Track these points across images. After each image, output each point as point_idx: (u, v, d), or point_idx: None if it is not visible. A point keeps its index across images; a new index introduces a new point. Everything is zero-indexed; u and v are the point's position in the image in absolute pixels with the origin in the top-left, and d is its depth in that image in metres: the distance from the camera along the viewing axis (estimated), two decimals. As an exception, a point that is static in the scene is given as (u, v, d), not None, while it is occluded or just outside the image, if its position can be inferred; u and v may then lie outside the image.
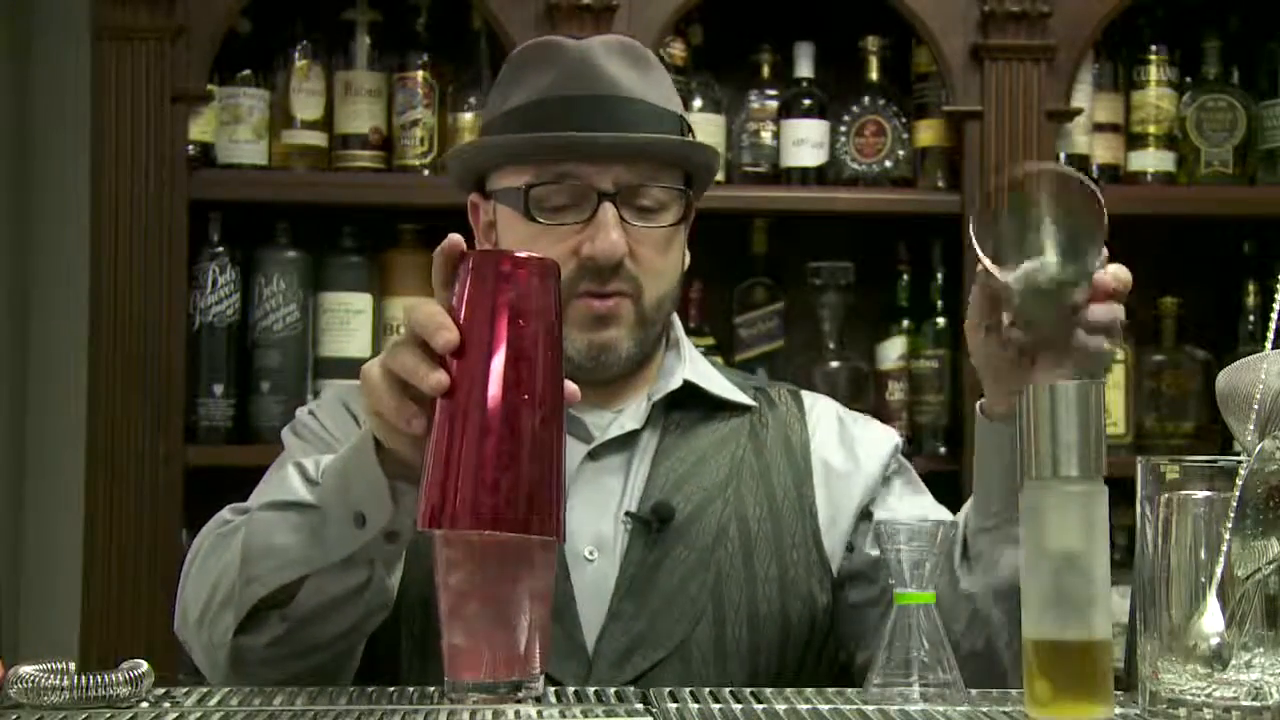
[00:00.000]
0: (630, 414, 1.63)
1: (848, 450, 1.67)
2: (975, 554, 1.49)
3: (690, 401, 1.65)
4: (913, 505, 1.64)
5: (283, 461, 1.60)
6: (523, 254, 1.22)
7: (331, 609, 1.39)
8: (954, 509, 2.31)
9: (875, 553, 1.59)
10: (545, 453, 1.18)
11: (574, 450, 1.59)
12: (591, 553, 1.56)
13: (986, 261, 1.31)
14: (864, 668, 1.55)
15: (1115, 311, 1.38)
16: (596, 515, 1.57)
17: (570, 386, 1.24)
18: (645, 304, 1.59)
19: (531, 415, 1.18)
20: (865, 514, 1.64)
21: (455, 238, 1.25)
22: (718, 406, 1.66)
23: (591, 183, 1.55)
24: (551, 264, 1.22)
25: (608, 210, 1.54)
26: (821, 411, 1.71)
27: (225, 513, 1.53)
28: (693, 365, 1.67)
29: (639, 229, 1.56)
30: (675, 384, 1.64)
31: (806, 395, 1.74)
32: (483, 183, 1.63)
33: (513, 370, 1.18)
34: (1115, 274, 1.38)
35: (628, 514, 1.56)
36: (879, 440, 1.70)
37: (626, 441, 1.62)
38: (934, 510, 1.65)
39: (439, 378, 1.19)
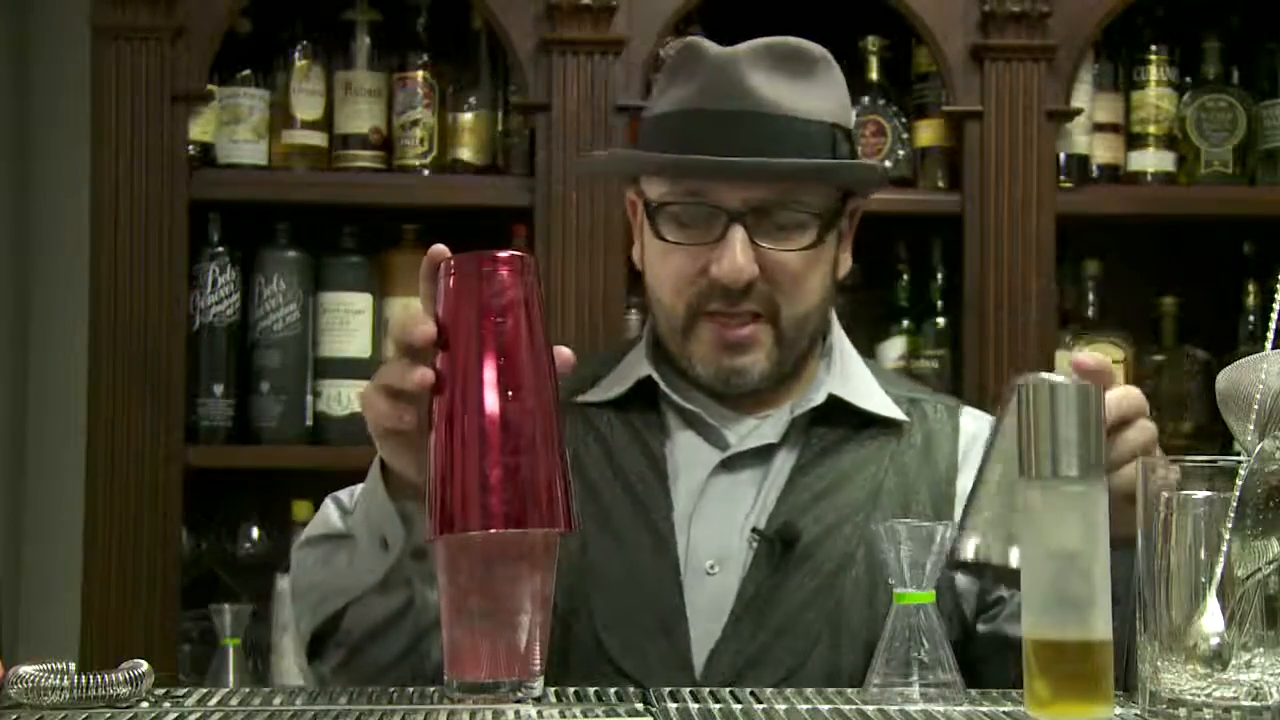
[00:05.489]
0: (770, 426, 1.58)
1: None
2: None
3: (836, 416, 1.59)
4: None
5: None
6: (503, 253, 1.22)
7: (381, 632, 1.41)
8: (954, 509, 2.27)
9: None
10: (537, 445, 1.19)
11: (708, 458, 1.57)
12: (713, 567, 1.51)
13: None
14: None
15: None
16: (723, 529, 1.53)
17: (563, 353, 1.25)
18: (784, 325, 1.55)
19: (527, 413, 1.19)
20: None
21: (438, 248, 1.25)
22: (865, 422, 1.60)
23: (720, 202, 1.51)
24: (529, 259, 1.23)
25: (736, 232, 1.50)
26: (977, 432, 1.62)
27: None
28: (842, 377, 1.61)
29: (770, 252, 1.52)
30: (819, 399, 1.59)
31: (966, 413, 1.66)
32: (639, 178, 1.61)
33: (503, 371, 1.19)
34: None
35: (754, 531, 1.52)
36: None
37: (763, 455, 1.57)
38: None
39: (421, 373, 1.20)
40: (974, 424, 1.64)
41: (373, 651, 1.42)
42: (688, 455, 1.58)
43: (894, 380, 1.70)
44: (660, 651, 1.48)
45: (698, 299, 1.54)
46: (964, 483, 1.57)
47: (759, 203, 1.51)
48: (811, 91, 1.55)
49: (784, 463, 1.57)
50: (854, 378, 1.63)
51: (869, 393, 1.62)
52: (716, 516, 1.54)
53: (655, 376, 1.60)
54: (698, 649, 1.49)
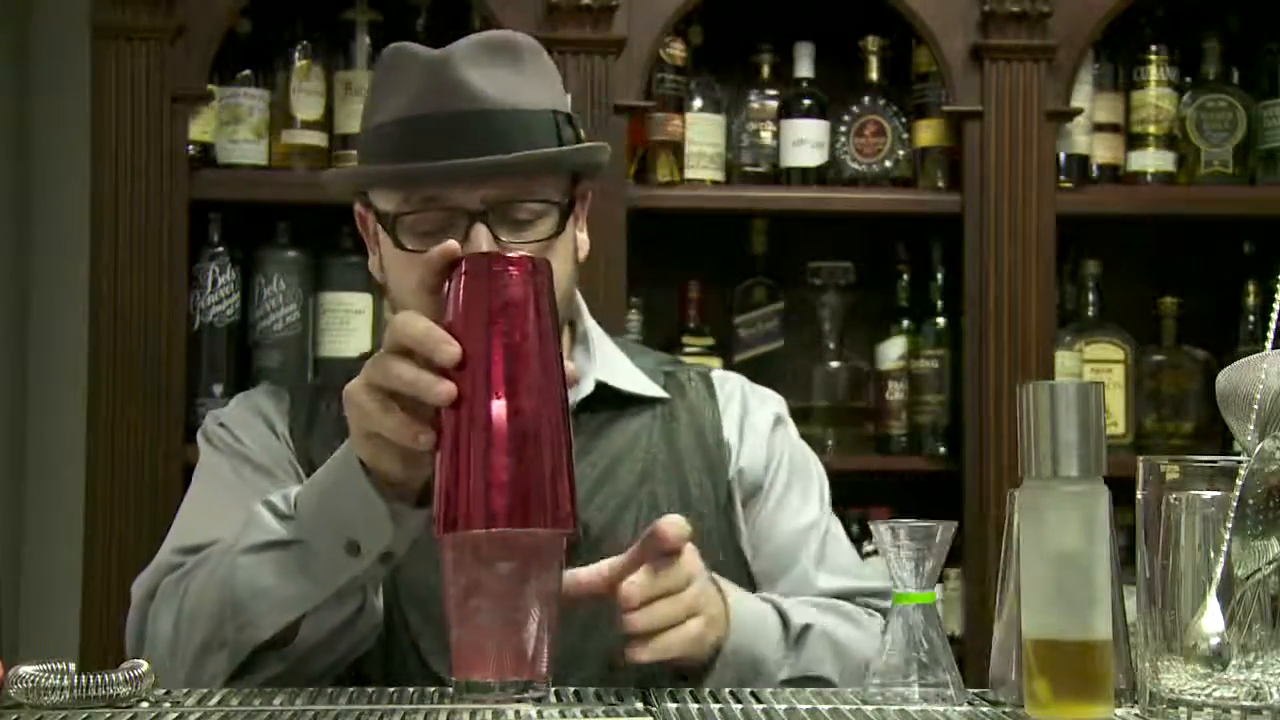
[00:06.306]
0: None
1: (742, 430, 1.65)
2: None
3: (600, 400, 1.61)
4: (780, 522, 1.62)
5: (203, 473, 1.58)
6: (513, 254, 1.23)
7: (329, 641, 1.37)
8: (953, 512, 2.31)
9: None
10: (543, 446, 1.19)
11: None
12: None
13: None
14: None
15: None
16: None
17: (569, 367, 1.25)
18: None
19: (533, 412, 1.19)
20: (741, 500, 1.62)
21: (451, 244, 1.24)
22: (627, 400, 1.62)
23: (458, 204, 1.49)
24: (542, 261, 1.24)
25: (479, 231, 1.48)
26: (730, 391, 1.69)
27: (168, 556, 1.49)
28: (603, 362, 1.63)
29: (515, 245, 1.50)
30: (588, 389, 1.60)
31: (716, 375, 1.71)
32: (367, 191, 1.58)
33: (511, 371, 1.19)
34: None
35: None
36: (763, 420, 1.67)
37: None
38: (798, 518, 1.63)
39: (446, 387, 1.18)
40: (727, 382, 1.70)
41: (314, 661, 1.38)
42: None
43: (643, 353, 1.73)
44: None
45: None
46: (729, 435, 1.64)
47: (496, 199, 1.50)
48: (527, 82, 1.54)
49: None
50: (612, 361, 1.65)
51: (629, 374, 1.64)
52: None
53: None
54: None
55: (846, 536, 1.70)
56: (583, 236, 1.63)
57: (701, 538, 1.54)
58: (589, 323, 1.68)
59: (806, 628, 1.44)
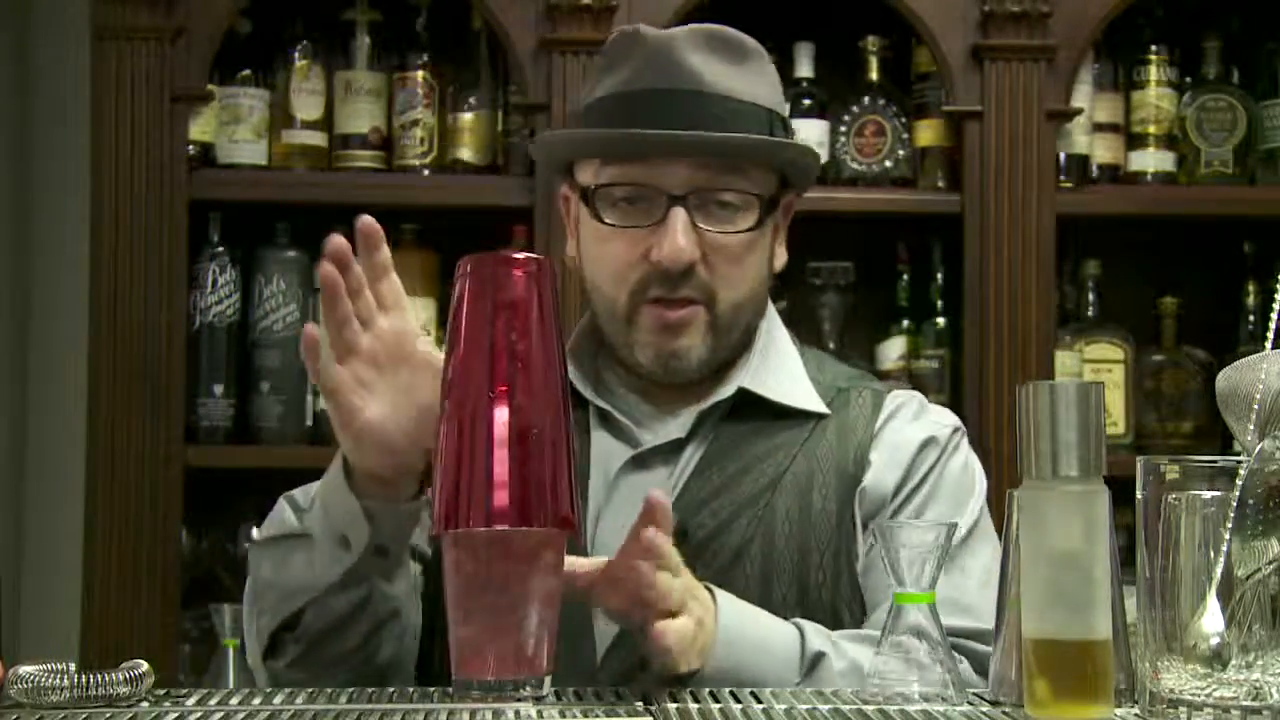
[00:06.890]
0: (680, 421, 1.56)
1: (886, 448, 1.56)
2: None
3: (750, 409, 1.56)
4: None
5: None
6: (518, 254, 1.24)
7: (340, 626, 1.40)
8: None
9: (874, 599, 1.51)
10: (544, 445, 1.20)
11: (619, 455, 1.55)
12: None
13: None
14: None
15: None
16: (628, 527, 1.46)
17: None
18: (719, 311, 1.52)
19: (534, 411, 1.20)
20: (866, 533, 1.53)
21: (311, 328, 1.33)
22: (781, 413, 1.56)
23: (660, 184, 1.49)
24: (545, 261, 1.24)
25: (677, 214, 1.48)
26: (894, 409, 1.59)
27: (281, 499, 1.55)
28: (758, 370, 1.58)
29: (711, 234, 1.50)
30: (727, 392, 1.56)
31: (894, 393, 1.62)
32: (573, 170, 1.58)
33: (512, 370, 1.20)
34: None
35: None
36: (911, 439, 1.56)
37: (674, 450, 1.55)
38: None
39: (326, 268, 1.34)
40: (895, 400, 1.61)
41: (330, 645, 1.41)
42: (601, 453, 1.56)
43: (831, 370, 1.66)
44: (563, 648, 1.46)
45: (639, 285, 1.51)
46: (874, 453, 1.55)
47: (698, 185, 1.50)
48: (747, 76, 1.53)
49: (691, 457, 1.55)
50: (774, 369, 1.59)
51: (785, 384, 1.58)
52: (622, 514, 1.48)
53: (573, 373, 1.53)
54: (599, 646, 1.47)
55: (983, 571, 1.52)
56: (780, 249, 1.62)
57: (812, 559, 1.51)
58: (765, 329, 1.61)
59: (820, 655, 1.38)
